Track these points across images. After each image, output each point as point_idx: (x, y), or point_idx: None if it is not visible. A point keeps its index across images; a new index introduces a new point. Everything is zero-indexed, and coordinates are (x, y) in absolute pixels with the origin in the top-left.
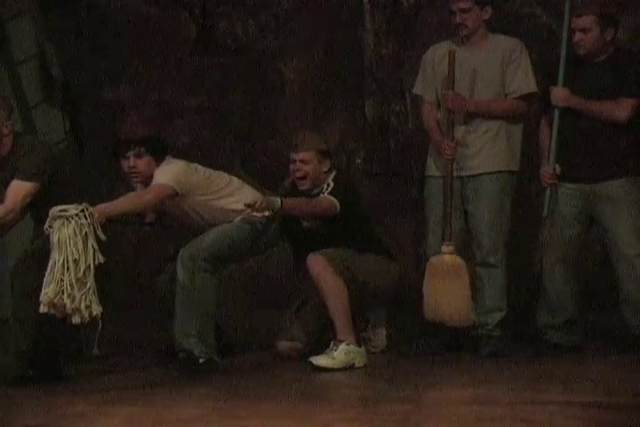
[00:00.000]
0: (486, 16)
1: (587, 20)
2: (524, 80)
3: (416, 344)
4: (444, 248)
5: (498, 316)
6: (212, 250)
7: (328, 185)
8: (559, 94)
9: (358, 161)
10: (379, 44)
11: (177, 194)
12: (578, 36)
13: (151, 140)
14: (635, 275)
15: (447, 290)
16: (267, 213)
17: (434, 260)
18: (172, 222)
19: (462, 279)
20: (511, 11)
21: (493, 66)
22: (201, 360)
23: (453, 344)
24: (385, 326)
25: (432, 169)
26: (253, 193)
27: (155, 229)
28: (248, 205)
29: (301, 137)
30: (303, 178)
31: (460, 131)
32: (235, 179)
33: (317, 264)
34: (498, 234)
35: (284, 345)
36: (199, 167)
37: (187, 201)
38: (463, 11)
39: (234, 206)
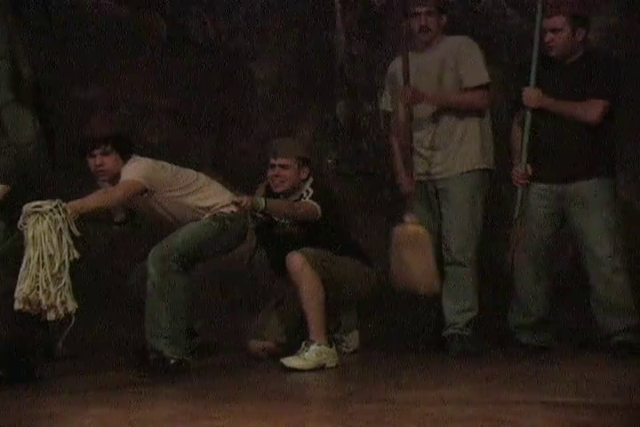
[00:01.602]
0: (443, 23)
1: (558, 21)
2: (475, 72)
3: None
4: (407, 218)
5: (469, 315)
6: (183, 249)
7: (307, 191)
8: (531, 95)
9: (330, 161)
10: (350, 45)
11: (146, 190)
12: (549, 36)
13: (117, 139)
14: (605, 275)
15: (411, 259)
16: (236, 209)
17: (397, 230)
18: (141, 221)
19: (425, 248)
20: (482, 11)
21: (448, 64)
22: (172, 361)
23: (435, 343)
24: (357, 327)
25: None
26: (221, 189)
27: (124, 228)
28: (235, 203)
29: (282, 143)
30: (281, 182)
31: (429, 134)
32: (202, 175)
33: (297, 262)
34: (468, 233)
35: (255, 345)
36: (166, 164)
37: (155, 198)
38: (428, 13)
39: (202, 203)
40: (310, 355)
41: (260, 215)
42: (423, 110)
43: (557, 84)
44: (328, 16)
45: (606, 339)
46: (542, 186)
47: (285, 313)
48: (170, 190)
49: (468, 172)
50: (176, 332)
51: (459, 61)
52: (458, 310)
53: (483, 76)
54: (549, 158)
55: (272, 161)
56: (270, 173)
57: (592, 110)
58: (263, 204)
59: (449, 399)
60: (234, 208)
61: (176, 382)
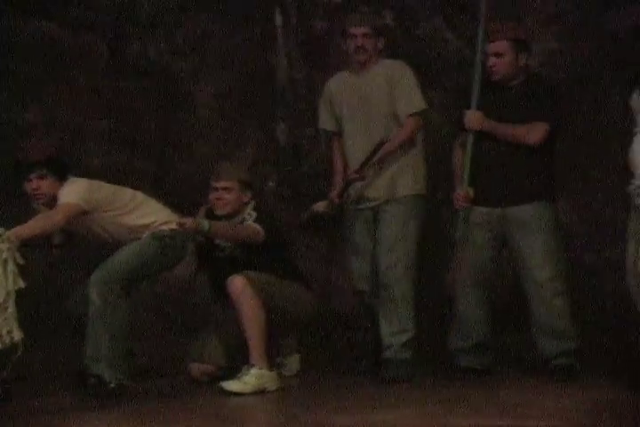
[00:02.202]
0: (380, 46)
1: (501, 45)
2: (411, 98)
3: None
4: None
5: (404, 337)
6: (124, 271)
7: (250, 215)
8: (472, 118)
9: (271, 184)
10: (291, 68)
11: (85, 212)
12: (492, 60)
13: (52, 162)
14: (545, 298)
15: None
16: (175, 226)
17: None
18: (80, 243)
19: None
20: (423, 35)
21: (382, 89)
22: (111, 385)
23: (375, 366)
24: (297, 351)
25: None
26: (159, 206)
27: (63, 251)
28: (180, 224)
29: (224, 166)
30: (224, 205)
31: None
32: (139, 193)
33: (239, 285)
34: (397, 254)
35: (195, 368)
36: (102, 184)
37: (94, 219)
38: (364, 35)
39: (140, 221)
40: (250, 379)
41: (202, 239)
42: (356, 137)
43: (500, 108)
44: (269, 39)
45: (546, 362)
46: (483, 209)
47: (226, 336)
48: (108, 210)
49: (404, 196)
50: (116, 356)
51: (393, 86)
52: (392, 332)
53: (418, 103)
54: (490, 182)
55: (214, 184)
56: (212, 195)
57: (534, 133)
58: (207, 225)
59: (389, 423)
60: (173, 225)
61: (115, 406)
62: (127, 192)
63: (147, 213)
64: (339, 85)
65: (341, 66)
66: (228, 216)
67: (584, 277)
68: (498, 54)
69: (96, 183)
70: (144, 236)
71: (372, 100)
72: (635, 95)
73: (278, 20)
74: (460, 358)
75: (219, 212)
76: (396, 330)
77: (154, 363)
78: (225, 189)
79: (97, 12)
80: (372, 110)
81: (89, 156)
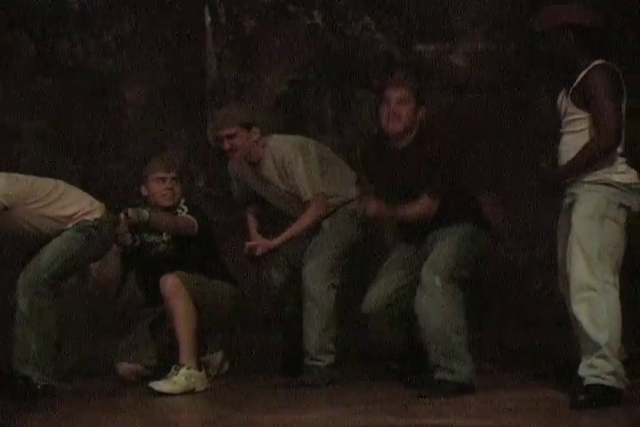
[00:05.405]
0: (255, 137)
1: (405, 93)
2: (303, 187)
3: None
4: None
5: (327, 341)
6: (52, 270)
7: (182, 209)
8: (372, 207)
9: (200, 184)
10: (221, 68)
11: (6, 208)
12: (394, 106)
13: None
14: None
15: None
16: (98, 216)
17: None
18: (4, 240)
19: None
20: (352, 36)
21: (282, 174)
22: (38, 386)
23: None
24: (221, 350)
25: None
26: (82, 195)
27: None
28: (125, 216)
29: (166, 158)
30: (173, 196)
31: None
32: (61, 183)
33: (171, 284)
34: (321, 259)
35: (124, 368)
36: (20, 176)
37: (17, 213)
38: (229, 137)
39: (64, 212)
40: (180, 379)
41: (130, 241)
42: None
43: (393, 172)
44: (199, 38)
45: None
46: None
47: (155, 336)
48: (30, 203)
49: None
50: (44, 358)
51: (287, 176)
52: (315, 335)
53: (310, 191)
54: (410, 230)
55: (162, 174)
56: (160, 186)
57: (424, 210)
58: (147, 215)
59: (318, 423)
60: (97, 214)
61: (43, 408)
62: (48, 182)
63: (70, 203)
64: (240, 169)
65: (270, 66)
66: (167, 209)
67: (513, 278)
68: (401, 101)
69: (13, 176)
70: (68, 227)
71: (272, 181)
72: (560, 96)
73: (207, 19)
74: (390, 360)
75: (166, 203)
76: (318, 334)
77: (82, 363)
78: (174, 178)
79: (25, 10)
80: (278, 191)
81: (17, 155)
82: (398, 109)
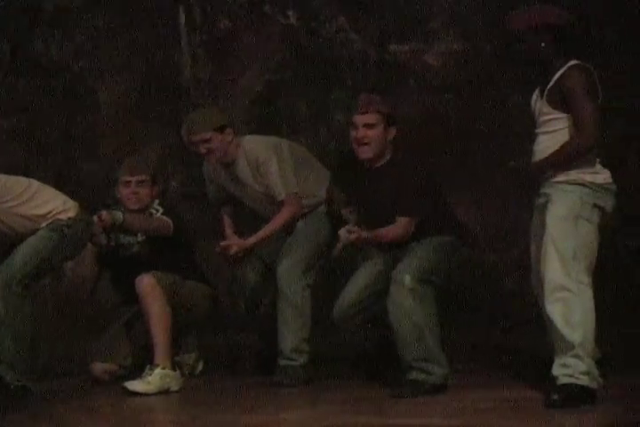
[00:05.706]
0: (229, 137)
1: (372, 117)
2: (277, 188)
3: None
4: None
5: (299, 341)
6: (25, 270)
7: (157, 210)
8: (351, 235)
9: (174, 184)
10: (195, 67)
11: None
12: (362, 132)
13: None
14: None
15: None
16: (72, 215)
17: None
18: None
19: None
20: (327, 36)
21: (250, 173)
22: (12, 386)
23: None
24: (196, 350)
25: None
26: (55, 193)
27: None
28: (99, 219)
29: (135, 160)
30: (139, 200)
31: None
32: (34, 182)
33: (147, 284)
34: (295, 260)
35: (98, 367)
36: None
37: None
38: (205, 141)
39: (38, 211)
40: (154, 379)
41: (104, 242)
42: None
43: (368, 193)
44: (174, 38)
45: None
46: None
47: (130, 336)
48: (2, 202)
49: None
50: (19, 358)
51: (262, 175)
52: (291, 335)
53: (284, 190)
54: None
55: (128, 178)
56: (126, 190)
57: (400, 230)
58: (121, 217)
59: (293, 422)
60: (71, 214)
61: (17, 409)
62: (20, 181)
63: (43, 202)
64: (215, 168)
65: (245, 65)
66: (138, 211)
67: (486, 277)
68: (368, 125)
69: None
70: (42, 226)
71: (248, 183)
72: (535, 96)
73: (182, 18)
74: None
75: (132, 206)
76: (292, 334)
77: (56, 363)
78: (140, 182)
79: None
80: (253, 192)
81: None
82: (367, 134)
